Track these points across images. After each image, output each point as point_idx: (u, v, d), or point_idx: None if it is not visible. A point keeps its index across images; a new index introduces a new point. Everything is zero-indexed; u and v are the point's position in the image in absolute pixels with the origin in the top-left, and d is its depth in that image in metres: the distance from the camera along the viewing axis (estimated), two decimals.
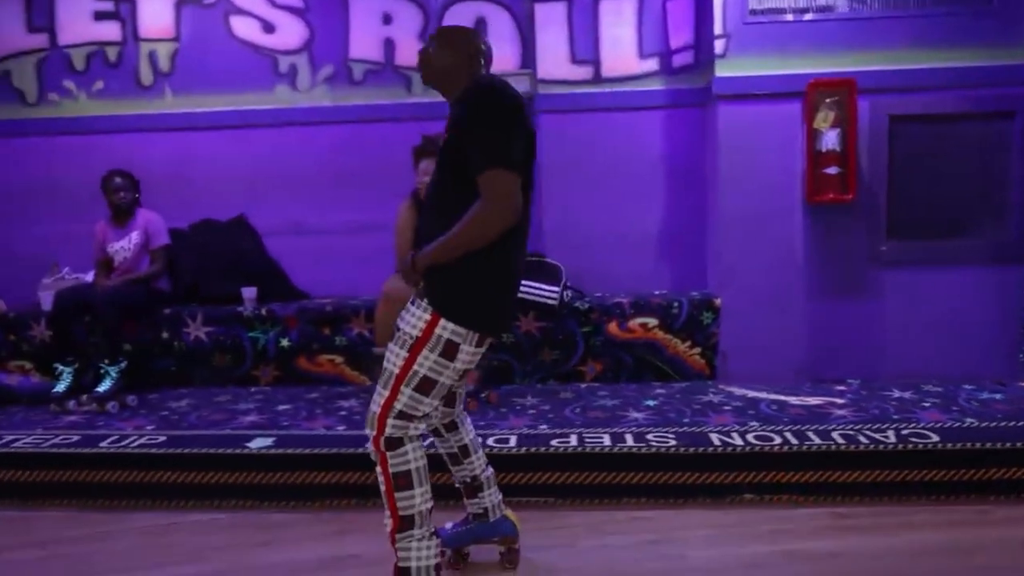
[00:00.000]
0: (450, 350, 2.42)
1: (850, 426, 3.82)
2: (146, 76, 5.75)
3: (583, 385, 4.92)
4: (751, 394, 4.51)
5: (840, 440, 3.60)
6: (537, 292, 4.79)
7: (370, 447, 2.51)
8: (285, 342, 5.08)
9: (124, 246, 5.09)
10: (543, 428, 3.94)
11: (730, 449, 3.56)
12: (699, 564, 2.98)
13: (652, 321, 4.91)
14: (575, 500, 3.56)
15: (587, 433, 3.82)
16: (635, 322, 4.91)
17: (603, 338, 4.94)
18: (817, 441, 3.60)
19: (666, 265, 5.50)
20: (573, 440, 3.72)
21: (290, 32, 5.65)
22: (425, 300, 2.43)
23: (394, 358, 2.46)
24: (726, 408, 4.23)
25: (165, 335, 5.14)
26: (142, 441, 3.90)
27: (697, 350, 4.94)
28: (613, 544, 3.18)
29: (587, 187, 5.41)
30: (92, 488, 3.74)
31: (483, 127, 2.35)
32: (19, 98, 5.84)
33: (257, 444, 3.79)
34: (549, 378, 5.00)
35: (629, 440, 3.69)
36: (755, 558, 3.00)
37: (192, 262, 5.47)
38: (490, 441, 3.72)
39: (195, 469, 3.69)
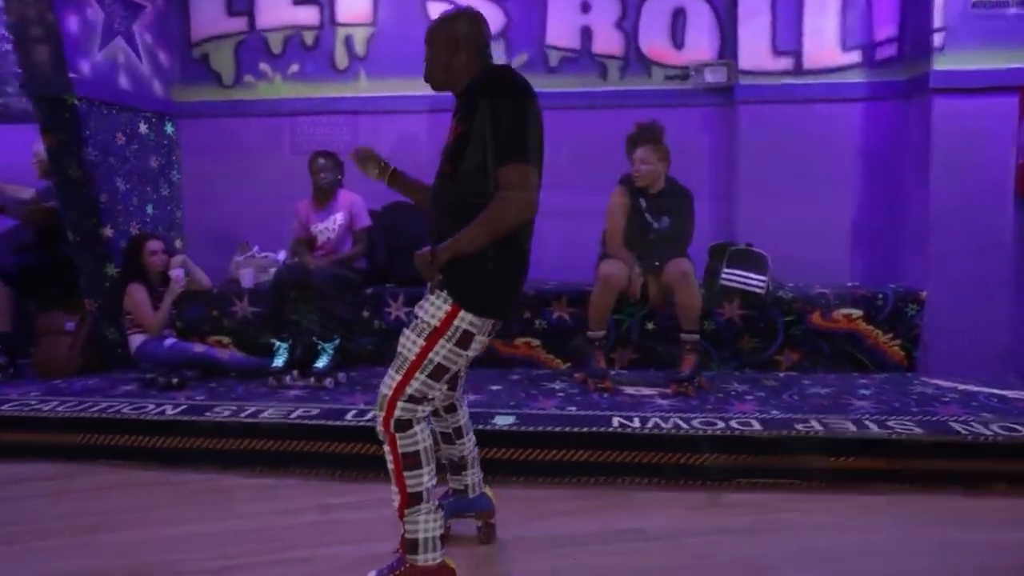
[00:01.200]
0: (466, 340, 2.48)
1: None
2: (341, 60, 5.87)
3: (781, 374, 4.94)
4: (961, 387, 4.51)
5: None
6: (744, 280, 4.82)
7: (379, 428, 2.57)
8: None
9: (328, 226, 5.18)
10: (774, 413, 3.99)
11: (981, 438, 3.58)
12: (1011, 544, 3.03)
13: (856, 312, 4.90)
14: (821, 483, 3.59)
15: (826, 419, 3.85)
16: (839, 312, 4.90)
17: (805, 327, 4.94)
18: None
19: (858, 256, 5.47)
20: (815, 424, 3.76)
21: (487, 18, 5.66)
22: (445, 292, 2.46)
23: (410, 344, 2.50)
24: (946, 399, 4.24)
25: (366, 314, 5.25)
26: None
27: (897, 342, 4.93)
28: (889, 524, 3.22)
29: (782, 177, 5.38)
30: (338, 459, 3.87)
31: (498, 121, 2.37)
32: (216, 80, 6.00)
33: (501, 421, 3.89)
34: (745, 366, 5.03)
35: (873, 427, 3.73)
36: None
37: (385, 243, 5.56)
38: (733, 423, 3.79)
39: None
